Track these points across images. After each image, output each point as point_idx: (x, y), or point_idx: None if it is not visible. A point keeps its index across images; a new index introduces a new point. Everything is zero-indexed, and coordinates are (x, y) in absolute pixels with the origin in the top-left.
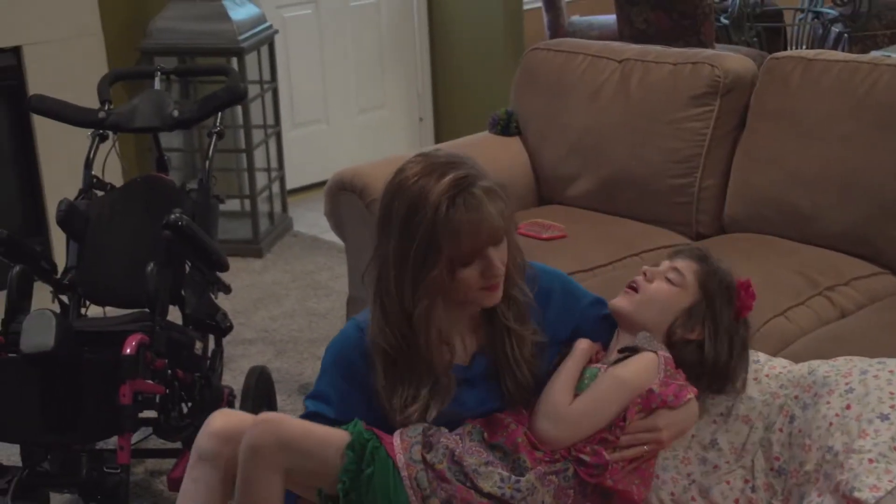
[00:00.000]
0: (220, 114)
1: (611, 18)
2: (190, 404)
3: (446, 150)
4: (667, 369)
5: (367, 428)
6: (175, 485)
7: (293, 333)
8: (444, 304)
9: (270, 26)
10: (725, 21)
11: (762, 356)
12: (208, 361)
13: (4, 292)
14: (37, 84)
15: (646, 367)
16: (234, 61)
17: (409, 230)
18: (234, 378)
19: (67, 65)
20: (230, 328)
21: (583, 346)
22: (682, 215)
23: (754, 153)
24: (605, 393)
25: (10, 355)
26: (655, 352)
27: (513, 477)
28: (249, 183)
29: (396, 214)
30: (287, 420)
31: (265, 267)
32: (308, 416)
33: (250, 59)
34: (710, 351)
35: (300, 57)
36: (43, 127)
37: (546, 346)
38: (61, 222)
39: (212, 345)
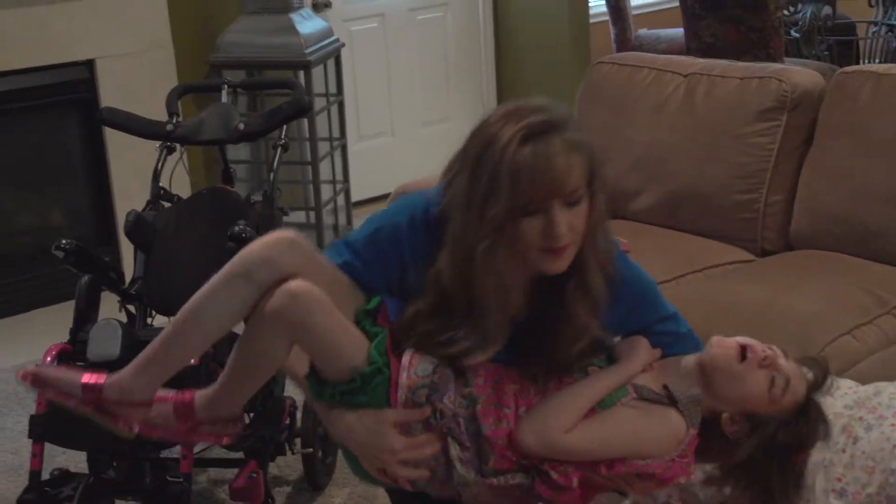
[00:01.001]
0: (285, 126)
1: (678, 32)
2: (252, 414)
3: (542, 99)
4: (685, 450)
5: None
6: (238, 495)
7: None
8: (507, 254)
9: (337, 40)
10: (796, 34)
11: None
12: None
13: (73, 302)
14: (109, 96)
15: (669, 439)
16: (301, 74)
17: (478, 166)
18: (295, 389)
19: (139, 78)
20: None
21: (633, 367)
22: (747, 231)
23: (822, 169)
24: (610, 441)
25: (77, 364)
26: (688, 428)
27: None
28: (314, 195)
29: (470, 150)
30: (318, 308)
31: None
32: (340, 264)
33: (317, 72)
34: (744, 459)
35: (366, 70)
36: (114, 139)
37: (602, 345)
38: (129, 233)
39: None
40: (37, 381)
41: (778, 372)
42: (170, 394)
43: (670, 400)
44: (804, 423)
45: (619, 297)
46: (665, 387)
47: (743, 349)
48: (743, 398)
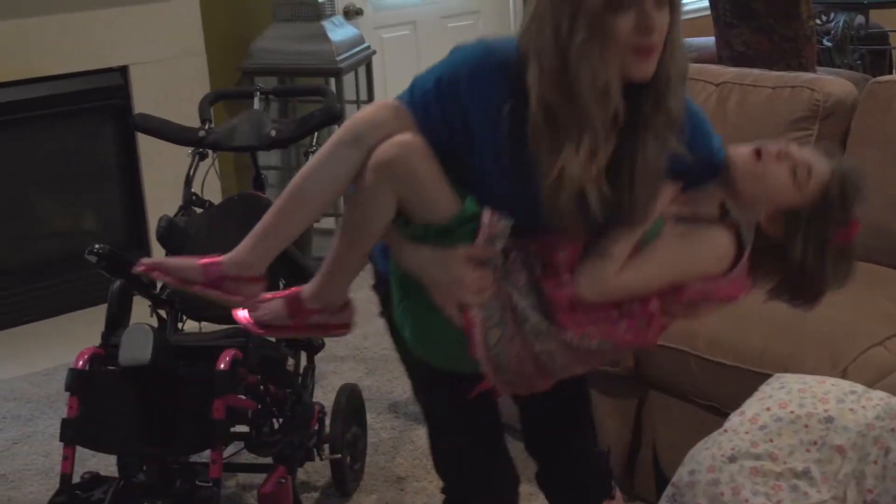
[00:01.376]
0: (316, 133)
1: (709, 40)
2: (281, 420)
3: None
4: (742, 267)
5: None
6: (266, 500)
7: (384, 352)
8: (601, 50)
9: (368, 47)
10: (828, 44)
11: (859, 387)
12: (300, 378)
13: (105, 306)
14: (142, 102)
15: (718, 254)
16: (333, 81)
17: None
18: (324, 395)
19: (172, 84)
20: (322, 345)
21: (661, 199)
22: None
23: None
24: (662, 269)
25: (109, 368)
26: (745, 248)
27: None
28: (344, 201)
29: None
30: (424, 157)
31: (358, 284)
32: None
33: (348, 79)
34: (794, 257)
35: (397, 77)
36: (146, 144)
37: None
38: (161, 238)
39: (304, 362)
40: (155, 269)
41: (796, 161)
42: (278, 292)
43: (723, 213)
44: (839, 195)
45: (686, 125)
46: (722, 205)
47: (757, 151)
48: (772, 195)
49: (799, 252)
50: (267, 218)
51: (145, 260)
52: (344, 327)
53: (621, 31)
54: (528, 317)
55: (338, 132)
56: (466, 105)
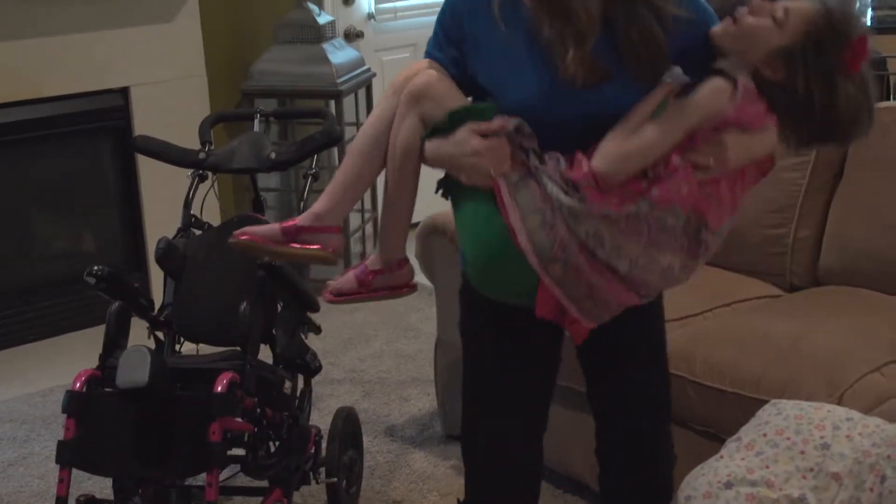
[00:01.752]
0: (315, 156)
1: None
2: (277, 443)
3: None
4: (746, 96)
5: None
6: None
7: (381, 374)
8: None
9: (369, 69)
10: None
11: (856, 414)
12: (297, 401)
13: (103, 327)
14: (142, 124)
15: (714, 90)
16: (332, 104)
17: None
18: (321, 418)
19: (172, 105)
20: (319, 368)
21: (659, 91)
22: (775, 266)
23: (851, 204)
24: (671, 123)
25: (106, 390)
26: (735, 79)
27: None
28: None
29: None
30: (440, 81)
31: (355, 307)
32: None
33: (348, 101)
34: (802, 95)
35: None
36: (146, 165)
37: (686, 26)
38: (159, 260)
39: (301, 384)
40: (245, 234)
41: (770, 7)
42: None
43: (715, 73)
44: (825, 23)
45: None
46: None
47: (733, 18)
48: (759, 44)
49: (802, 86)
50: (338, 174)
51: (236, 232)
52: (407, 287)
53: None
54: (562, 201)
55: (385, 91)
56: (467, 23)
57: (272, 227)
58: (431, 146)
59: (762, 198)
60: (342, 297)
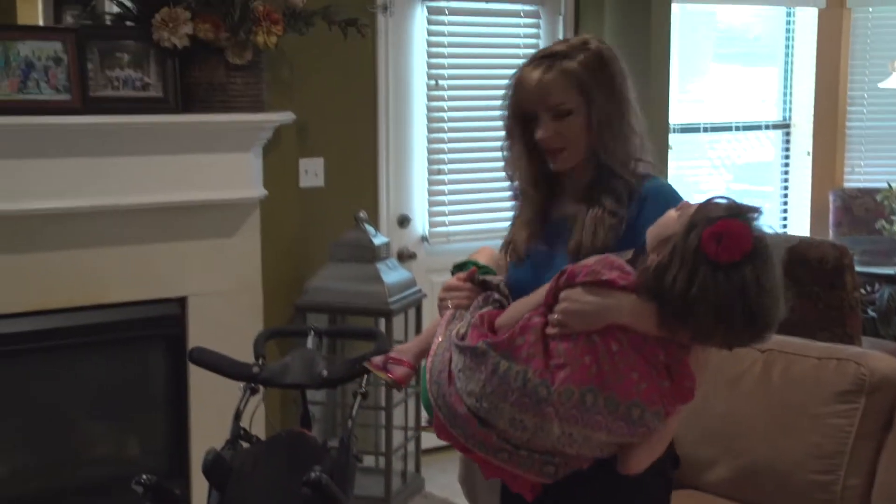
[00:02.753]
0: (366, 375)
1: None
2: None
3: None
4: (604, 262)
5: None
6: None
7: None
8: (518, 149)
9: (419, 290)
10: (873, 314)
11: None
12: None
13: None
14: (197, 332)
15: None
16: (382, 322)
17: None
18: None
19: (227, 315)
20: None
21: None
22: None
23: None
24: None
25: None
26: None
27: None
28: (386, 441)
29: None
30: (486, 252)
31: None
32: None
33: (398, 320)
34: (667, 278)
35: None
36: (197, 375)
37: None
38: (206, 471)
39: None
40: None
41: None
42: None
43: None
44: (703, 209)
45: (642, 208)
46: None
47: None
48: (659, 233)
49: (673, 269)
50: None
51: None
52: (396, 383)
53: (540, 137)
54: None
55: None
56: None
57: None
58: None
59: (809, 443)
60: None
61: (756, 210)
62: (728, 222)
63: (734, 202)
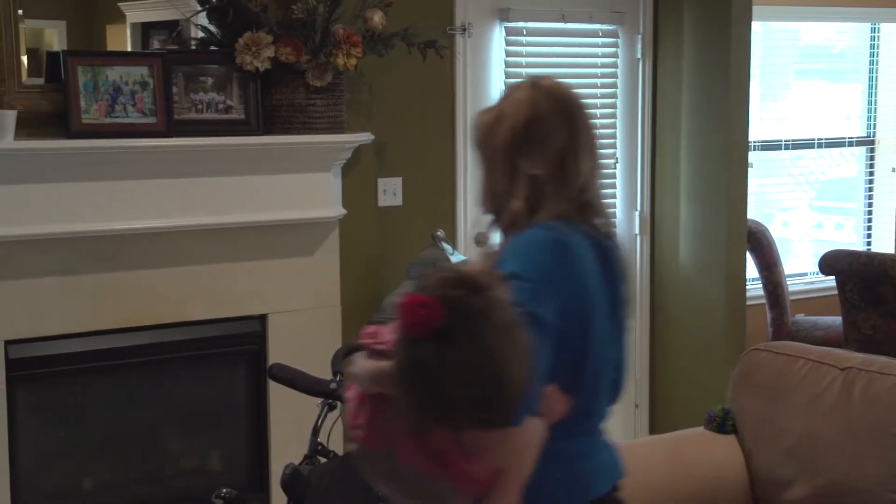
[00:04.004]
0: None
1: (836, 320)
2: None
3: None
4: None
5: None
6: None
7: None
8: None
9: None
10: None
11: None
12: None
13: None
14: (276, 349)
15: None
16: None
17: None
18: None
19: (306, 332)
20: None
21: None
22: None
23: None
24: None
25: None
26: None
27: None
28: None
29: None
30: None
31: None
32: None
33: None
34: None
35: None
36: (277, 390)
37: None
38: (285, 486)
39: None
40: None
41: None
42: None
43: None
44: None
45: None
46: None
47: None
48: None
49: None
50: None
51: None
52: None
53: None
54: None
55: None
56: None
57: None
58: None
59: (891, 462)
60: None
61: (487, 282)
62: (413, 297)
63: (460, 273)
